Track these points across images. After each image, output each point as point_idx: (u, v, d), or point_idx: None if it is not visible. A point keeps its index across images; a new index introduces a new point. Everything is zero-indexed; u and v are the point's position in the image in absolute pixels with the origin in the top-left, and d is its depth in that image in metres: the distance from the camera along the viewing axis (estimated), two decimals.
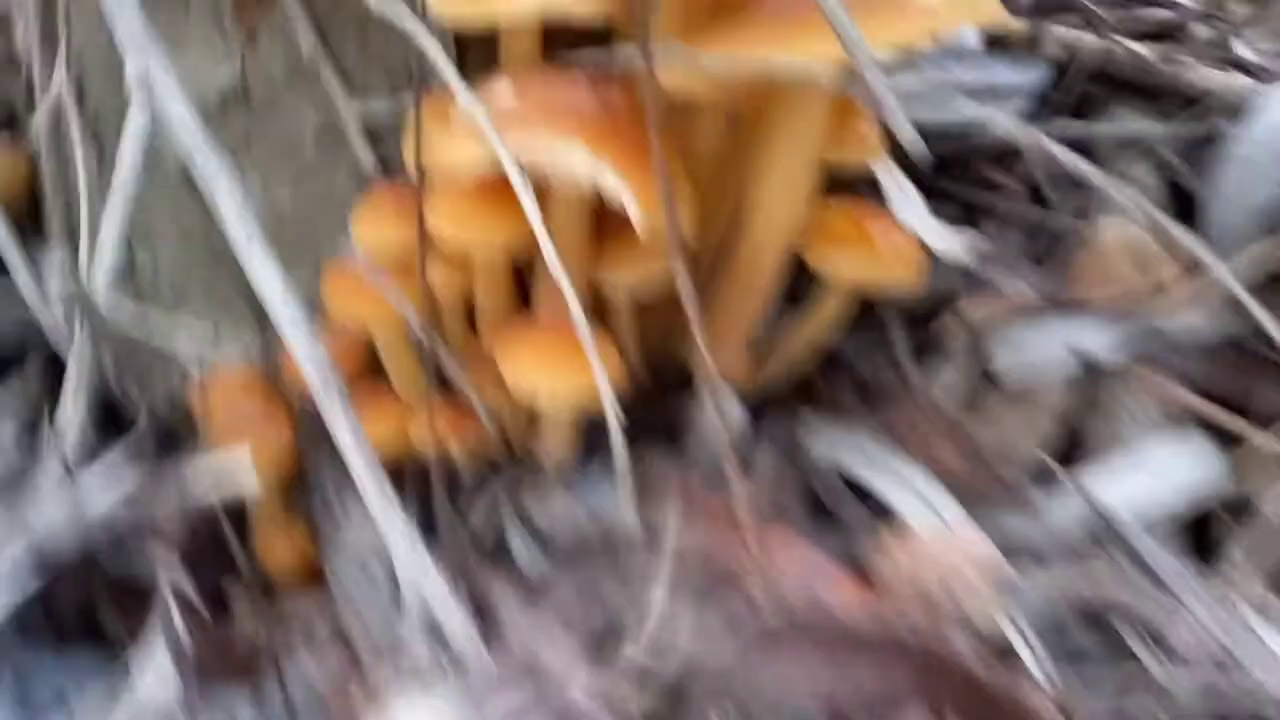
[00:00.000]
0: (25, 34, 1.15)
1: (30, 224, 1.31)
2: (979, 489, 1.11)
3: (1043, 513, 1.11)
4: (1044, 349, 1.22)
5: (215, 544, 1.17)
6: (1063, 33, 1.50)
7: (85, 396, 0.98)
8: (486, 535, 1.20)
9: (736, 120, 1.14)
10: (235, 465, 0.89)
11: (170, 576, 0.98)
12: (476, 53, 1.06)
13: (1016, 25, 0.93)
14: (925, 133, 1.42)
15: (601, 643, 0.79)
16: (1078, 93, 1.49)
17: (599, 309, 1.17)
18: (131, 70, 0.87)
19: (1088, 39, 1.47)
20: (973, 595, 0.90)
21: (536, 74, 0.97)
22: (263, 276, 0.82)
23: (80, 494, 0.95)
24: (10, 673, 0.96)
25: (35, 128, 1.02)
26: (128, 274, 1.18)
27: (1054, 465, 1.15)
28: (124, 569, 1.05)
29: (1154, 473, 1.11)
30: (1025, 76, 1.41)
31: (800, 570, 0.96)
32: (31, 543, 0.90)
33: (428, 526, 1.22)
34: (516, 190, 0.84)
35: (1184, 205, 1.38)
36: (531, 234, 0.97)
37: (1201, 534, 1.13)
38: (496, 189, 0.93)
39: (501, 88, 0.94)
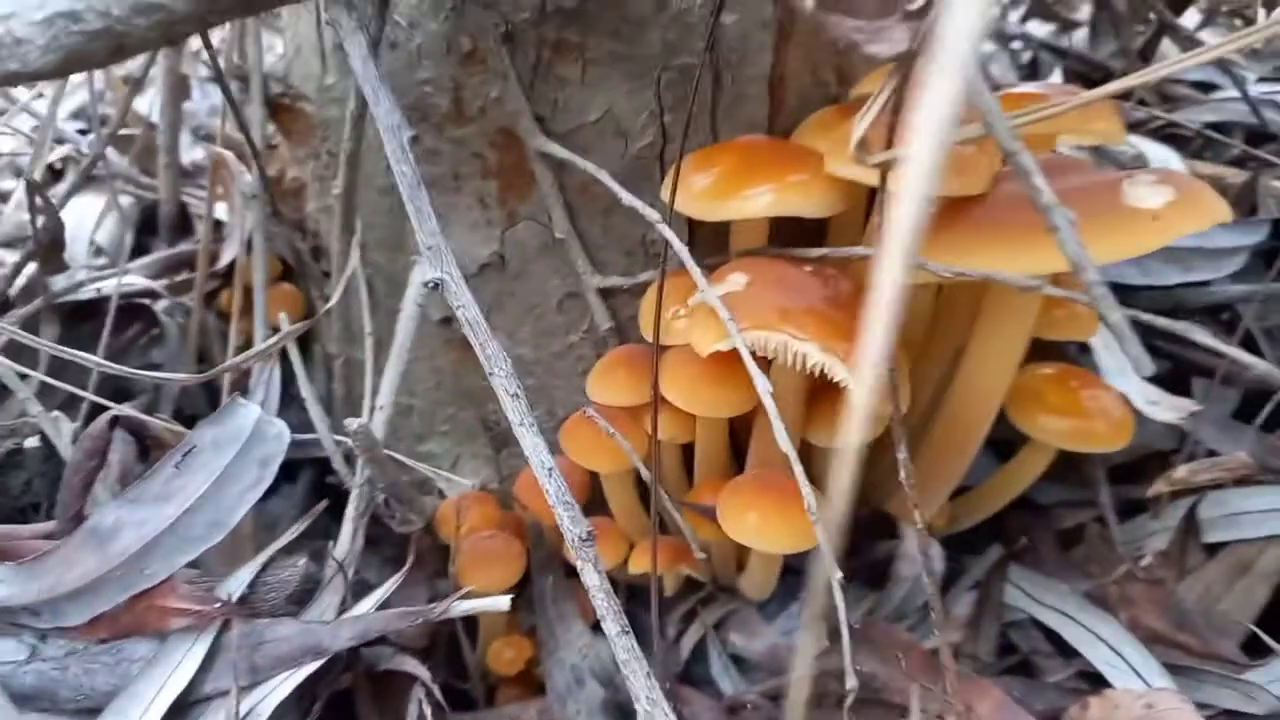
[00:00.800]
0: (316, 207, 1.35)
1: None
2: (1185, 654, 1.11)
3: (1253, 683, 1.10)
4: (1260, 517, 1.21)
5: (451, 649, 1.32)
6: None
7: (363, 520, 1.14)
8: (688, 656, 1.30)
9: (949, 291, 1.21)
10: (491, 603, 1.01)
11: (421, 678, 1.11)
12: (705, 234, 1.18)
13: (1230, 216, 0.95)
14: (1136, 292, 1.44)
15: None
16: None
17: (805, 462, 1.26)
18: (422, 241, 1.02)
19: None
20: None
21: (768, 263, 1.07)
22: (523, 431, 0.95)
23: (355, 606, 1.10)
24: None
25: (338, 286, 1.20)
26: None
27: (1263, 635, 1.13)
28: (377, 664, 1.19)
29: None
30: (1244, 238, 1.40)
31: (999, 716, 0.99)
32: (310, 643, 1.05)
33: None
34: (752, 376, 0.93)
35: None
36: (751, 400, 1.08)
37: None
38: (724, 364, 1.04)
39: (735, 275, 1.05)
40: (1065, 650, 1.21)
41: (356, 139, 1.16)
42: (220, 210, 1.55)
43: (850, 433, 1.11)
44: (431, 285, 1.00)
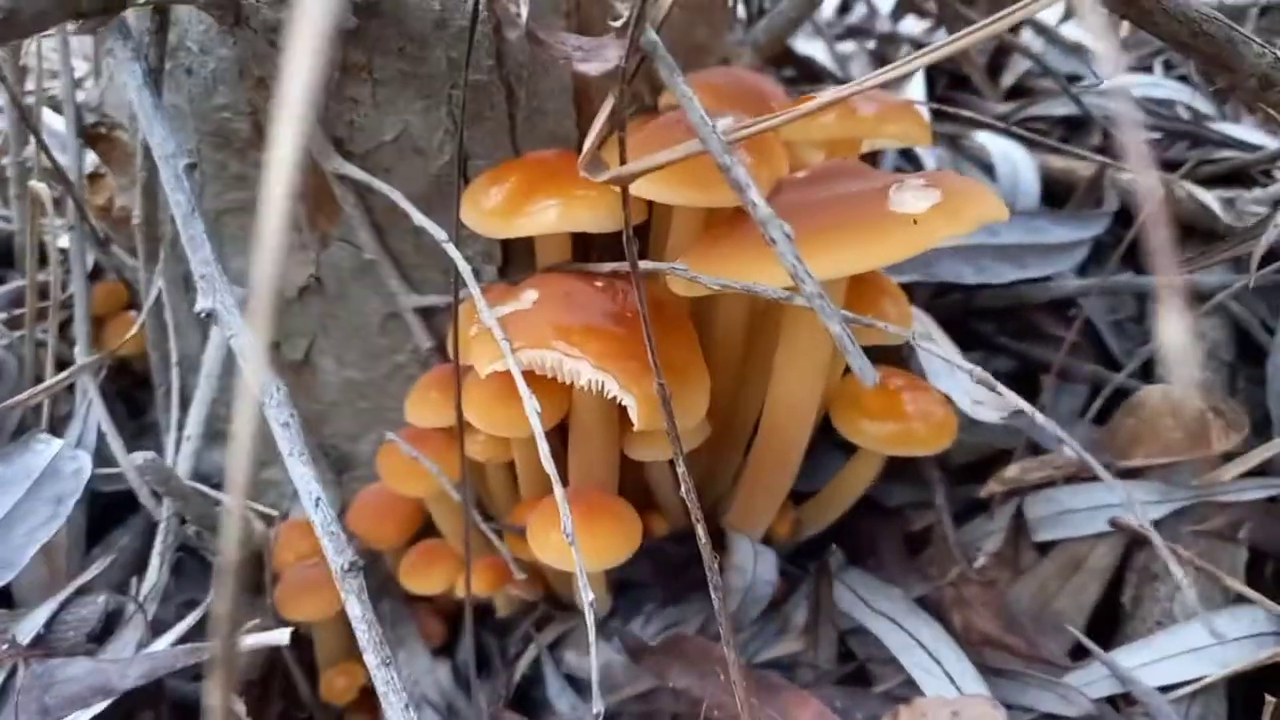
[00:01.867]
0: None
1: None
2: (1010, 656, 1.11)
3: (1070, 686, 1.09)
4: (1088, 515, 1.21)
5: (284, 680, 1.30)
6: (1128, 179, 1.48)
7: (169, 553, 1.12)
8: (527, 678, 1.28)
9: (762, 305, 1.19)
10: (272, 636, 1.00)
11: (227, 709, 1.09)
12: (518, 251, 1.17)
13: (1006, 215, 0.93)
14: (973, 291, 1.44)
15: None
16: (1136, 243, 1.46)
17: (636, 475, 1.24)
18: (195, 270, 1.00)
19: (1144, 184, 1.44)
20: None
21: (560, 279, 1.06)
22: (293, 462, 0.93)
23: (156, 642, 1.08)
24: None
25: (140, 316, 1.18)
26: (222, 435, 1.33)
27: (1084, 639, 1.12)
28: (194, 699, 1.17)
29: (1196, 647, 1.08)
30: (1082, 232, 1.40)
31: None
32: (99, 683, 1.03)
33: (479, 665, 1.31)
34: (521, 395, 0.92)
35: (1254, 357, 1.33)
36: (549, 419, 1.06)
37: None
38: (514, 384, 1.02)
39: (528, 293, 1.03)
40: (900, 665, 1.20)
41: (150, 168, 1.14)
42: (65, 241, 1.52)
43: (654, 440, 1.09)
44: (204, 315, 0.98)
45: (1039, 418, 0.85)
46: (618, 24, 0.75)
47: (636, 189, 0.92)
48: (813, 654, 1.24)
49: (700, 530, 0.93)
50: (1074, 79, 1.82)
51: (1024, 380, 1.40)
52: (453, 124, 1.11)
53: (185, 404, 1.40)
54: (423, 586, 1.23)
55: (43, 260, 1.68)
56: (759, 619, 1.26)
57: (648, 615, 1.31)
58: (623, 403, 0.96)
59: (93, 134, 1.29)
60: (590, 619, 0.84)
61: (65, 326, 1.54)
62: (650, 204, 1.09)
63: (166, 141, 1.02)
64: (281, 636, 0.99)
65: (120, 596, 1.10)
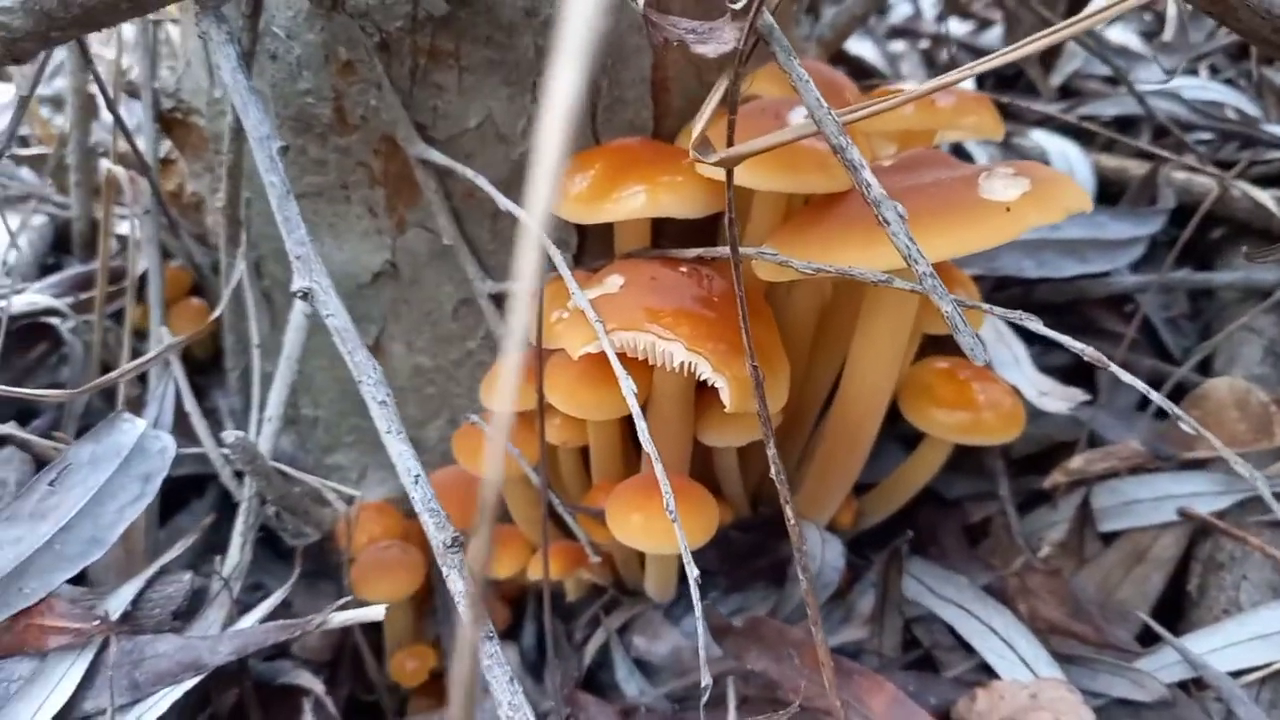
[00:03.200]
0: (214, 220, 1.35)
1: (215, 373, 1.53)
2: (1079, 643, 1.12)
3: (1142, 671, 1.11)
4: (1153, 505, 1.22)
5: (358, 663, 1.31)
6: (1183, 178, 1.50)
7: (251, 533, 1.13)
8: (595, 661, 1.30)
9: (836, 293, 1.21)
10: (366, 613, 1.01)
11: (314, 690, 1.11)
12: (595, 237, 1.18)
13: (1090, 206, 0.95)
14: (1034, 284, 1.45)
15: None
16: (1198, 240, 1.48)
17: (707, 462, 1.26)
18: (290, 250, 1.01)
19: (1205, 183, 1.46)
20: None
21: (644, 264, 1.07)
22: (390, 439, 0.95)
23: (240, 620, 1.09)
24: None
25: (222, 299, 1.20)
26: (292, 421, 1.35)
27: (1154, 624, 1.13)
28: (273, 678, 1.18)
29: (1265, 633, 1.09)
30: (1140, 229, 1.41)
31: (891, 711, 1.00)
32: (189, 659, 1.04)
33: (542, 649, 1.33)
34: (619, 379, 0.93)
35: None
36: (640, 402, 1.08)
37: None
38: (602, 367, 1.04)
39: (612, 277, 1.05)
40: (967, 643, 1.21)
41: (237, 151, 1.15)
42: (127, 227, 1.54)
43: (734, 424, 1.11)
44: (300, 295, 1.00)
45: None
46: (737, 5, 0.77)
47: (738, 175, 0.93)
48: (878, 641, 1.25)
49: (789, 512, 0.95)
50: (1117, 81, 1.85)
51: (1081, 374, 1.41)
52: (537, 111, 1.13)
53: (239, 390, 1.42)
54: (493, 571, 1.25)
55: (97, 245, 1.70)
56: (824, 606, 1.27)
57: (713, 602, 1.32)
58: (714, 385, 0.97)
59: (169, 119, 1.30)
60: (696, 594, 0.85)
61: (122, 312, 1.55)
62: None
63: (262, 124, 1.03)
64: (375, 613, 1.00)
65: (202, 576, 1.11)
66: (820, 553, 1.23)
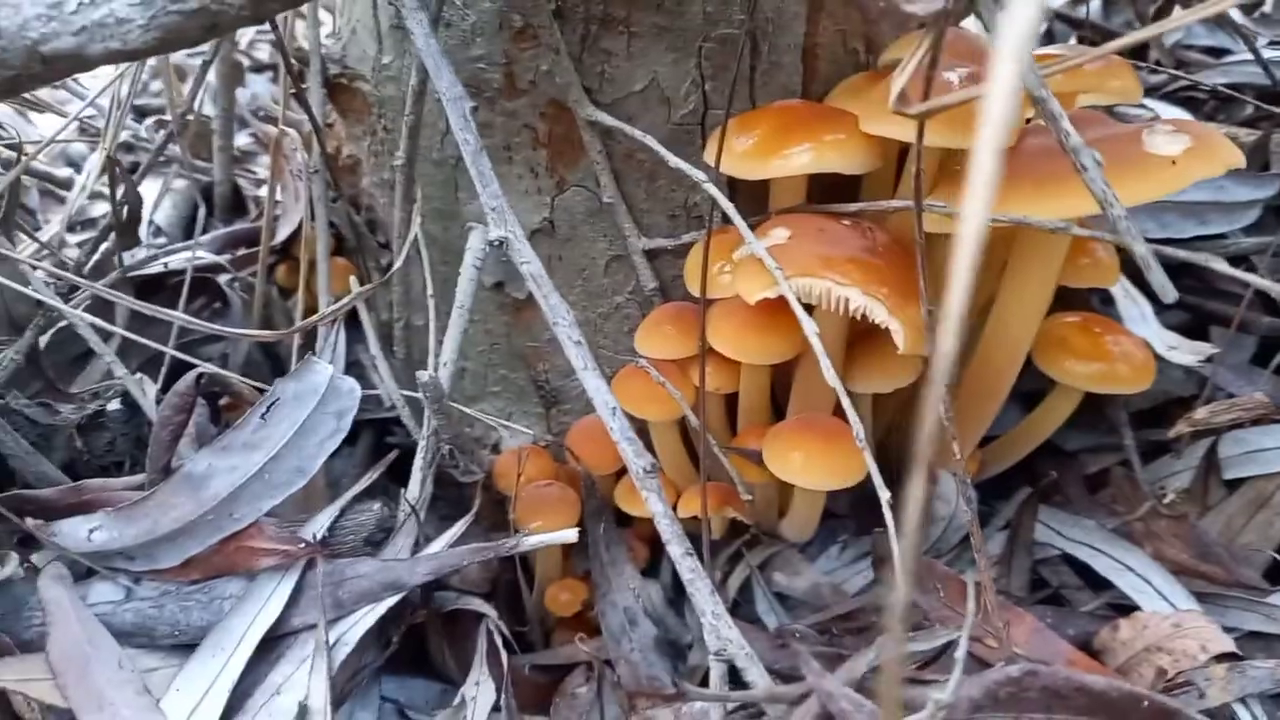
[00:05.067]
0: (369, 182, 1.43)
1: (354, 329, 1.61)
2: (1209, 583, 1.18)
3: (1276, 605, 1.16)
4: (1277, 454, 1.27)
5: (510, 595, 1.39)
6: None
7: (430, 470, 1.22)
8: (735, 596, 1.37)
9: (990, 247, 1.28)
10: (559, 536, 1.09)
11: (492, 621, 1.19)
12: (744, 197, 1.25)
13: (1244, 162, 1.01)
14: (1153, 245, 1.50)
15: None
16: None
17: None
18: (485, 202, 1.09)
19: None
20: (1201, 673, 0.98)
21: (806, 218, 1.14)
22: (587, 375, 1.03)
23: (428, 549, 1.18)
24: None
25: (401, 252, 1.28)
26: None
27: (1258, 563, 1.19)
28: (444, 607, 1.27)
29: None
30: (1257, 192, 1.46)
31: (1033, 640, 1.06)
32: (389, 579, 1.13)
33: (676, 588, 1.41)
34: (800, 321, 1.00)
35: None
36: (794, 347, 1.15)
37: None
38: (768, 314, 1.11)
39: (777, 230, 1.12)
40: (1093, 584, 1.27)
41: (417, 113, 1.23)
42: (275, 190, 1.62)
43: (883, 372, 1.17)
44: (496, 243, 1.07)
45: None
46: None
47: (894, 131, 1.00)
48: (1006, 581, 1.32)
49: (957, 447, 1.02)
50: (1218, 52, 1.89)
51: (1196, 333, 1.47)
52: (700, 75, 1.20)
53: (402, 340, 1.51)
54: (638, 509, 1.32)
55: (239, 209, 1.79)
56: (954, 549, 1.34)
57: (843, 544, 1.40)
58: (886, 328, 1.04)
59: (334, 84, 1.38)
60: (887, 513, 0.92)
61: (272, 270, 1.64)
62: (893, 151, 1.17)
63: (454, 85, 1.11)
64: (569, 535, 1.08)
65: (387, 507, 1.20)
66: (955, 495, 1.30)
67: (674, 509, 1.30)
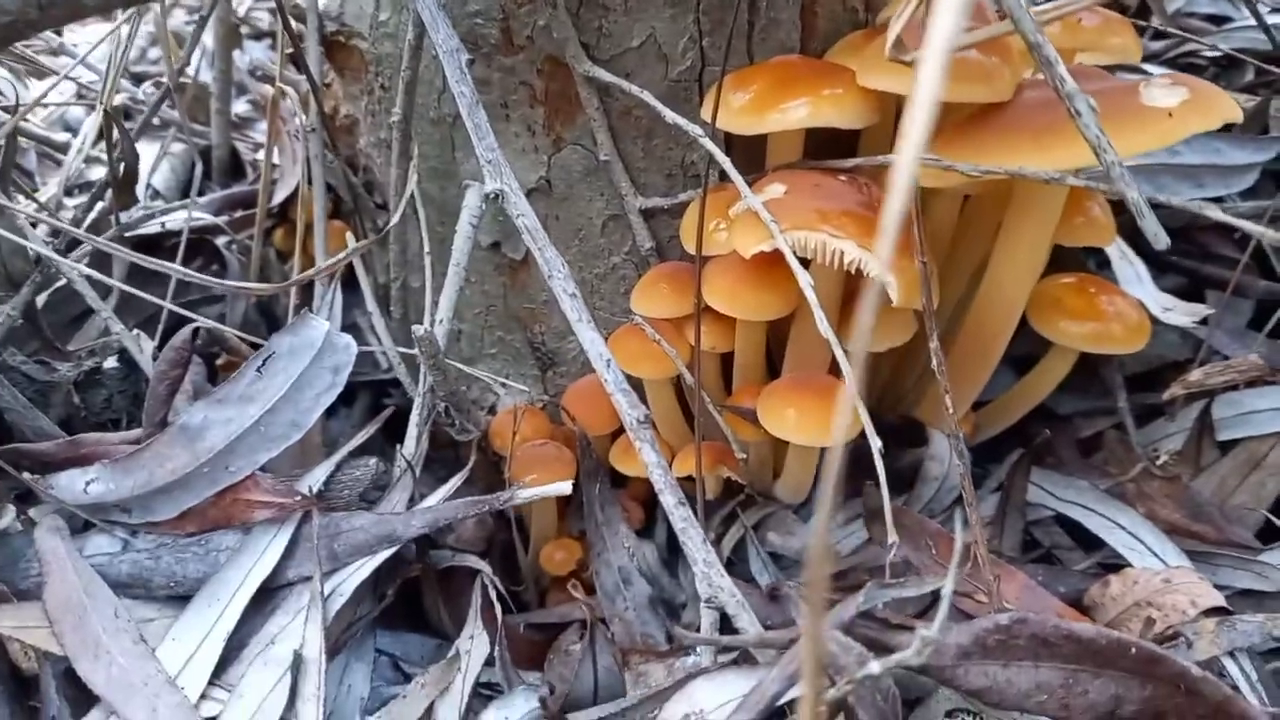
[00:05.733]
0: (366, 141, 1.43)
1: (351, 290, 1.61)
2: (1202, 542, 1.19)
3: (1267, 564, 1.17)
4: (1271, 415, 1.28)
5: (505, 555, 1.40)
6: None
7: (425, 426, 1.22)
8: (730, 555, 1.38)
9: (972, 200, 1.27)
10: (555, 488, 1.10)
11: (486, 577, 1.20)
12: (740, 154, 1.24)
13: (1241, 116, 1.01)
14: (1152, 209, 1.50)
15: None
16: None
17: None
18: (481, 155, 1.09)
19: None
20: (1191, 626, 0.99)
21: (805, 173, 1.14)
22: (582, 328, 1.03)
23: (422, 504, 1.18)
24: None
25: (397, 209, 1.27)
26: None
27: (1276, 519, 1.20)
28: (438, 563, 1.27)
29: None
30: (1255, 155, 1.46)
31: (1023, 596, 1.07)
32: (385, 532, 1.13)
33: (671, 548, 1.41)
34: (796, 274, 1.00)
35: None
36: (789, 303, 1.15)
37: None
38: (763, 269, 1.11)
39: (773, 185, 1.12)
40: (1085, 544, 1.28)
41: (414, 69, 1.23)
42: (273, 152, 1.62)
43: (879, 330, 1.17)
44: (493, 196, 1.07)
45: None
46: None
47: (912, 84, 0.99)
48: (998, 542, 1.32)
49: (949, 401, 1.02)
50: (1220, 20, 1.88)
51: (1192, 296, 1.47)
52: (698, 31, 1.19)
53: (399, 300, 1.51)
54: (634, 468, 1.33)
55: (236, 172, 1.79)
56: (947, 510, 1.34)
57: (837, 505, 1.40)
58: (881, 281, 1.04)
59: (331, 42, 1.38)
60: (879, 462, 0.92)
61: (270, 233, 1.64)
62: (890, 106, 1.17)
63: (450, 39, 1.11)
64: (564, 487, 1.09)
65: (383, 463, 1.20)
66: (948, 456, 1.30)
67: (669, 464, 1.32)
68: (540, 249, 1.05)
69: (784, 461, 1.33)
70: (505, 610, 1.17)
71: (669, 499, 0.96)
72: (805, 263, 1.06)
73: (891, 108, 1.20)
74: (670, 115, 1.14)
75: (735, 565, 1.36)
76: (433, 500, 1.17)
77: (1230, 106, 1.02)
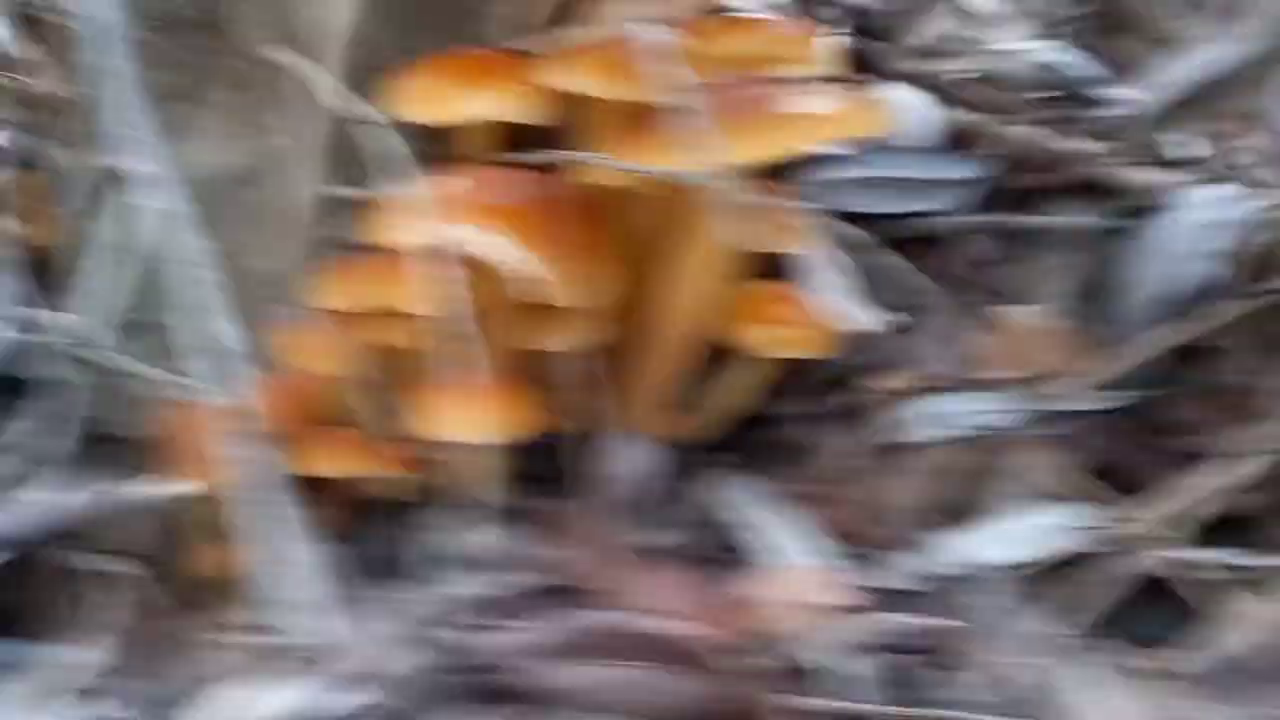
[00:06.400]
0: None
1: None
2: (860, 541, 1.23)
3: (907, 563, 1.23)
4: (945, 419, 1.34)
5: (159, 556, 1.32)
6: (1007, 131, 1.62)
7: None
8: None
9: (667, 208, 1.28)
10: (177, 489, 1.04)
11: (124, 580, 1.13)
12: (435, 143, 1.22)
13: (891, 129, 1.06)
14: (873, 220, 1.56)
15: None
16: (1016, 187, 1.60)
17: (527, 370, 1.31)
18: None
19: (1023, 134, 1.59)
20: (811, 624, 1.02)
21: (486, 169, 1.13)
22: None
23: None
24: None
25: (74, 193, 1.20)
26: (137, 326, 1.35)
27: (937, 526, 1.27)
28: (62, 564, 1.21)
29: (1016, 533, 1.24)
30: (965, 171, 1.54)
31: (662, 597, 1.08)
32: None
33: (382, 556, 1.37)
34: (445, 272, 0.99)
35: (1097, 294, 1.49)
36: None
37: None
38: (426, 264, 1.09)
39: (458, 181, 1.10)
40: (757, 546, 1.28)
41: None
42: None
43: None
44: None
45: None
46: None
47: (573, 82, 1.00)
48: (675, 544, 1.32)
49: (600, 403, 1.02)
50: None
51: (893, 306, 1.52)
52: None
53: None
54: (334, 467, 1.27)
55: None
56: (639, 513, 1.34)
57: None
58: (543, 279, 1.03)
59: (29, 16, 1.29)
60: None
61: None
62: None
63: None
64: (185, 486, 1.03)
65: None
66: (634, 460, 1.31)
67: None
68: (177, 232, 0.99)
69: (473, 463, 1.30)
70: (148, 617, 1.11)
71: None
72: (470, 260, 1.05)
73: (588, 105, 1.20)
74: (348, 102, 1.11)
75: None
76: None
77: (880, 120, 1.06)
